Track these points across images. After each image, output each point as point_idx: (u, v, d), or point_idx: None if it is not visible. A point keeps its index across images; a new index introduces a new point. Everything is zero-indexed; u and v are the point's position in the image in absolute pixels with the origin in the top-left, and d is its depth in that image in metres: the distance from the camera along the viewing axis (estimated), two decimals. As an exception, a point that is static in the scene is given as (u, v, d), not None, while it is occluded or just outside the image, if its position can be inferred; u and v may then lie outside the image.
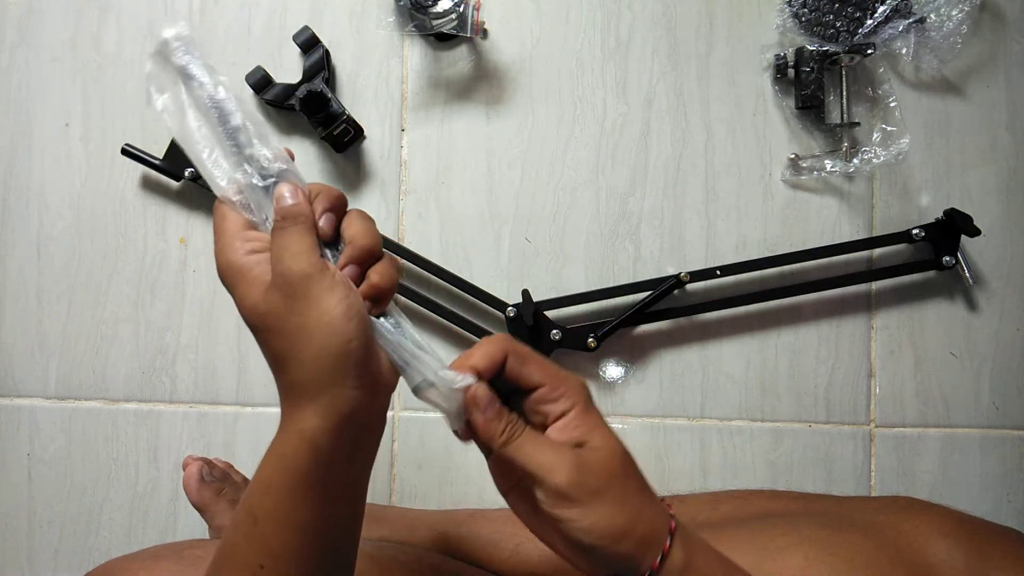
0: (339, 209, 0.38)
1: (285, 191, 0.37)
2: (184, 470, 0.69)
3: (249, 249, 0.36)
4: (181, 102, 0.39)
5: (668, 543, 0.35)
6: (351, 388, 0.34)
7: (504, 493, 0.38)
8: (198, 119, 0.39)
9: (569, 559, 0.36)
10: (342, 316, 0.34)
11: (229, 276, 0.37)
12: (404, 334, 0.37)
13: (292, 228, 0.36)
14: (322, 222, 0.37)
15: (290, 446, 0.35)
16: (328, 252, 0.37)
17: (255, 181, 0.37)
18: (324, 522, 0.36)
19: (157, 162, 0.69)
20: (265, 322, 0.35)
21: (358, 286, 0.36)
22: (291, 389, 0.35)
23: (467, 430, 0.37)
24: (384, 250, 0.38)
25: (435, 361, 0.37)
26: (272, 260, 0.35)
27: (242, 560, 0.35)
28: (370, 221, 0.38)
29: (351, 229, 0.37)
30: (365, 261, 0.37)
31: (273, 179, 0.37)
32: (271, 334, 0.35)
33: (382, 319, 0.37)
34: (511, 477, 0.37)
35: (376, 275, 0.37)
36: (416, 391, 0.37)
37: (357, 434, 0.36)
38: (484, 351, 0.37)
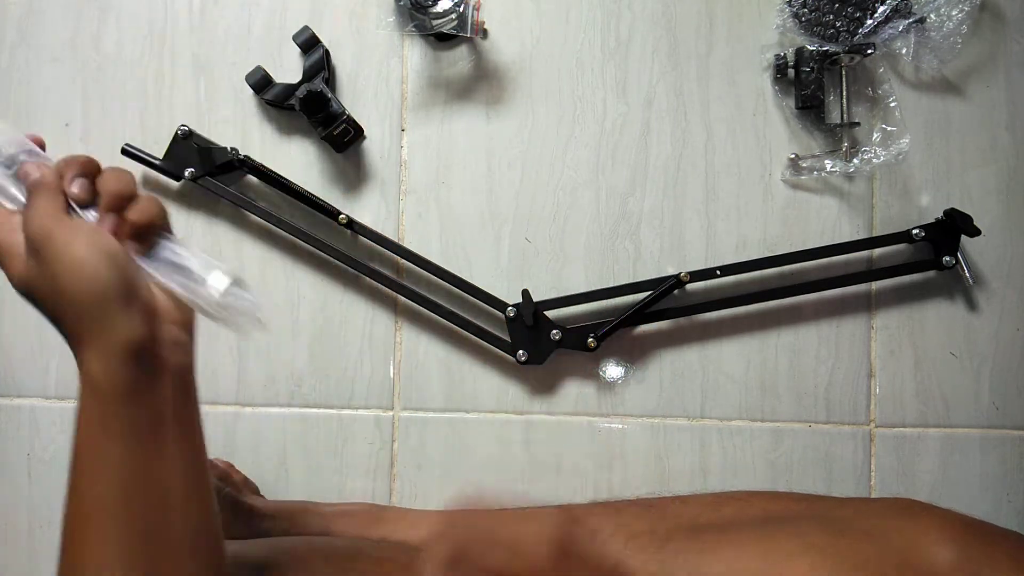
0: (91, 172, 0.39)
1: (29, 169, 0.39)
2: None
3: (8, 230, 0.38)
4: None
5: None
6: (120, 324, 0.36)
7: None
8: None
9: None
10: (89, 257, 0.35)
11: None
12: (186, 259, 0.40)
13: (37, 196, 0.37)
14: (74, 187, 0.38)
15: (83, 400, 0.37)
16: (89, 213, 0.38)
17: (2, 172, 0.39)
18: (139, 470, 0.36)
19: (157, 162, 0.69)
20: (30, 288, 0.37)
21: (121, 232, 0.38)
22: (72, 342, 0.37)
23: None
24: (143, 192, 0.40)
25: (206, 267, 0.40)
26: (23, 229, 0.37)
27: (72, 513, 0.36)
28: (121, 171, 0.39)
29: (102, 183, 0.39)
30: (119, 205, 0.38)
31: (18, 166, 0.39)
32: (39, 297, 0.37)
33: (163, 249, 0.40)
34: None
35: (133, 213, 0.38)
36: (207, 310, 0.39)
37: (145, 367, 0.37)
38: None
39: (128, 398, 0.36)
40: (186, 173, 0.69)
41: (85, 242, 0.35)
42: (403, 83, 0.73)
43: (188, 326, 0.39)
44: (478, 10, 0.68)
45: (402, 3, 0.68)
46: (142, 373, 0.37)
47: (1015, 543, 0.52)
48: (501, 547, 0.61)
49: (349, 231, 0.70)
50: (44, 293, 0.36)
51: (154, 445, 0.37)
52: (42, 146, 0.41)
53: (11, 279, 0.37)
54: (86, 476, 0.37)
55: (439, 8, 0.67)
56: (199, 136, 0.70)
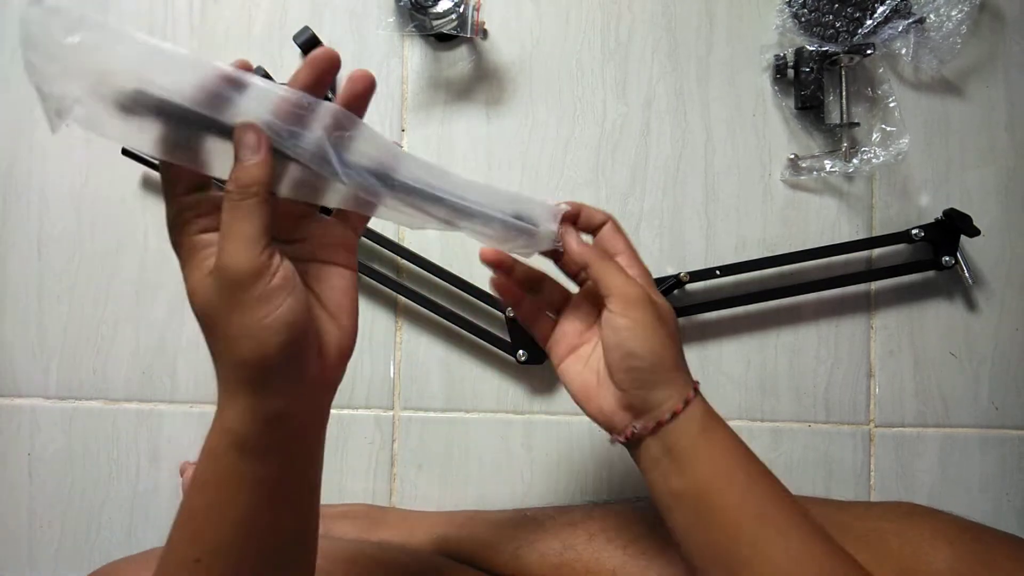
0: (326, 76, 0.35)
1: (247, 138, 0.32)
2: (182, 476, 0.70)
3: (202, 227, 0.34)
4: None
5: (692, 396, 0.43)
6: (275, 394, 0.33)
7: (560, 361, 0.48)
8: None
9: (617, 382, 0.44)
10: (270, 330, 0.32)
11: (177, 253, 0.35)
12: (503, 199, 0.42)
13: (241, 205, 0.32)
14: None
15: (218, 442, 0.35)
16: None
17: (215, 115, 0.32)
18: (259, 520, 0.35)
19: (158, 162, 0.69)
20: (199, 312, 0.34)
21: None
22: (221, 383, 0.35)
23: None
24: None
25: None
26: (218, 243, 0.32)
27: (180, 554, 0.35)
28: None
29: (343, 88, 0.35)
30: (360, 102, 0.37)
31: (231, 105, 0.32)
32: (204, 326, 0.34)
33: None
34: (569, 341, 0.48)
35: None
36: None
37: (287, 435, 0.35)
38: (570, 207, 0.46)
39: (268, 457, 0.35)
40: (186, 173, 0.69)
41: (273, 308, 0.32)
42: (403, 83, 0.73)
43: (337, 384, 0.38)
44: (478, 11, 0.68)
45: (402, 3, 0.68)
46: (288, 436, 0.35)
47: (1013, 546, 0.52)
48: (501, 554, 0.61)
49: (349, 231, 0.70)
50: (210, 328, 0.34)
51: (280, 499, 0.36)
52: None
53: (186, 285, 0.34)
54: (206, 519, 0.35)
55: (439, 8, 0.67)
56: (199, 136, 0.70)
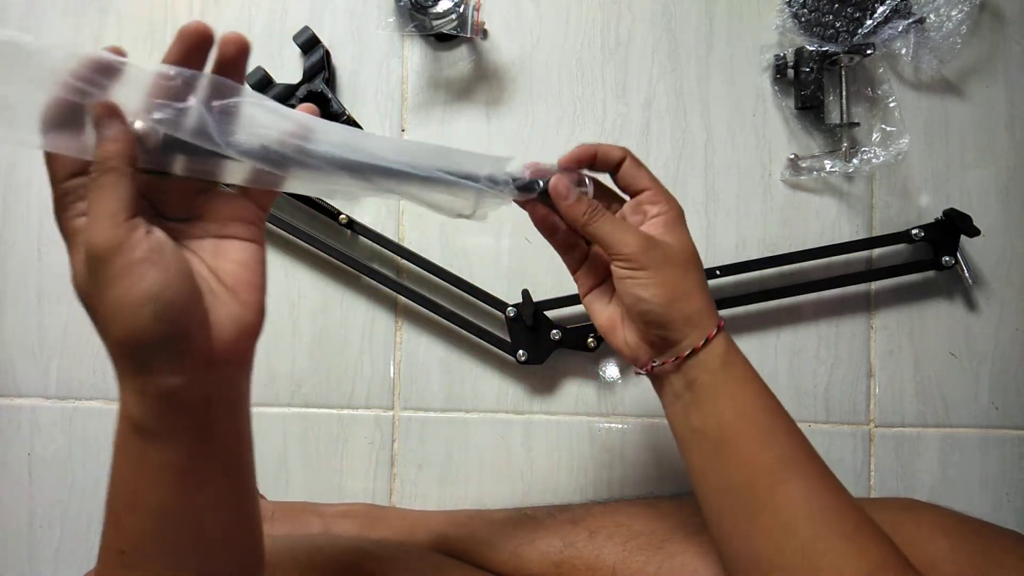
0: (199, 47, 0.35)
1: (98, 115, 0.32)
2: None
3: (80, 211, 0.33)
4: None
5: (714, 333, 0.44)
6: (160, 372, 0.32)
7: (585, 293, 0.50)
8: None
9: (635, 325, 0.46)
10: (136, 304, 0.31)
11: (64, 240, 0.33)
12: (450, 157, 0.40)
13: (100, 181, 0.31)
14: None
15: (120, 429, 0.34)
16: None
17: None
18: (177, 507, 0.34)
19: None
20: (79, 297, 0.33)
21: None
22: (115, 369, 0.33)
23: (546, 219, 0.47)
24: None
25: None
26: (86, 233, 0.31)
27: (108, 546, 0.35)
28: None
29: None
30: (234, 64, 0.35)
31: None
32: (86, 310, 0.33)
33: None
34: (594, 276, 0.49)
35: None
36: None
37: (187, 415, 0.34)
38: (579, 152, 0.46)
39: (168, 440, 0.33)
40: (186, 173, 0.69)
41: (134, 282, 0.31)
42: (403, 83, 0.73)
43: (243, 360, 0.36)
44: (478, 10, 0.68)
45: (402, 3, 0.68)
46: (184, 417, 0.34)
47: (1014, 540, 0.53)
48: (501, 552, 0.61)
49: (349, 231, 0.70)
50: (90, 311, 0.33)
51: (194, 484, 0.34)
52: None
53: (72, 276, 0.33)
54: (123, 509, 0.34)
55: (439, 8, 0.67)
56: (199, 136, 0.70)
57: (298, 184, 0.38)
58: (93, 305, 0.32)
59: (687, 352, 0.44)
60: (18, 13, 0.72)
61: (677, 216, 0.46)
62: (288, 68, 0.72)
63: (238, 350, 0.36)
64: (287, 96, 0.69)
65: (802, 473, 0.42)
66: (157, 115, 0.33)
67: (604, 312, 0.49)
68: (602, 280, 0.49)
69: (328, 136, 0.37)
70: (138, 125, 0.33)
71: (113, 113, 0.32)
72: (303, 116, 0.37)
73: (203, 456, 0.35)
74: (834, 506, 0.41)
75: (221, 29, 0.74)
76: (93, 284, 0.31)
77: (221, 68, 0.35)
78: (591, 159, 0.47)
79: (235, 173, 0.36)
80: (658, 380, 0.47)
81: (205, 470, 0.35)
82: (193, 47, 0.34)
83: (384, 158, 0.39)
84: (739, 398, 0.44)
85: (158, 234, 0.33)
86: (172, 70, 0.33)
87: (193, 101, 0.33)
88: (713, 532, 0.45)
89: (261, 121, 0.35)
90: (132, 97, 0.33)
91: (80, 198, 0.32)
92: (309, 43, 0.70)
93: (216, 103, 0.34)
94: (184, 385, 0.33)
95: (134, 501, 0.34)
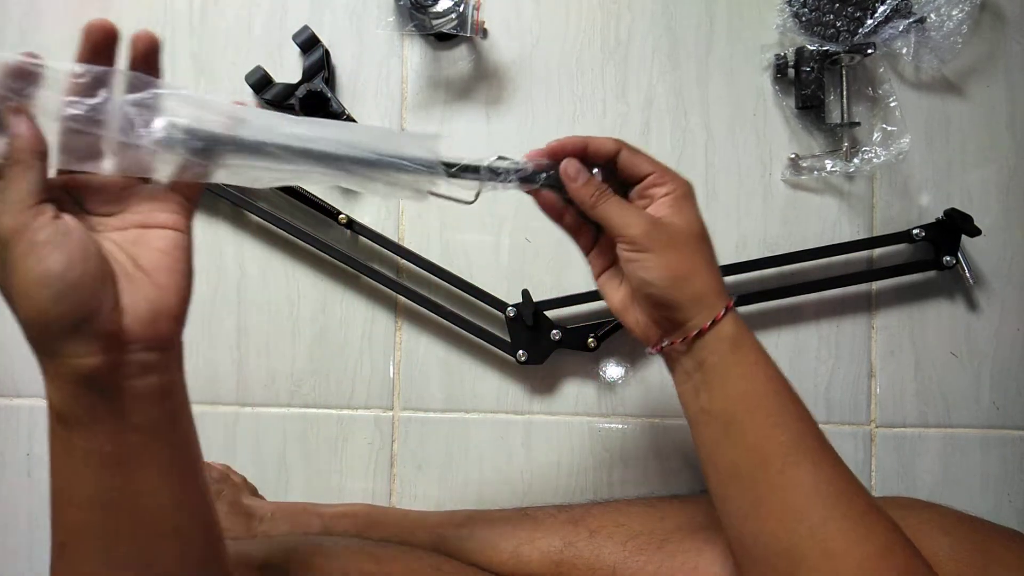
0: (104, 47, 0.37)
1: (12, 118, 0.33)
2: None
3: None
4: None
5: (722, 314, 0.44)
6: (71, 355, 0.33)
7: (598, 275, 0.50)
8: None
9: (643, 306, 0.47)
10: (35, 285, 0.32)
11: None
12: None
13: (10, 171, 0.33)
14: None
15: (50, 422, 0.34)
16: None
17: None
18: (112, 496, 0.34)
19: None
20: None
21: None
22: (36, 357, 0.34)
23: (552, 203, 0.47)
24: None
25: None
26: None
27: (52, 539, 0.35)
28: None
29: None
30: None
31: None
32: (4, 298, 0.34)
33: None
34: (606, 258, 0.49)
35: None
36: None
37: (107, 401, 0.34)
38: (567, 141, 0.46)
39: (89, 426, 0.34)
40: (186, 173, 0.69)
41: (36, 262, 0.32)
42: (403, 83, 0.73)
43: (164, 343, 0.36)
44: (478, 10, 0.68)
45: (402, 3, 0.68)
46: (101, 401, 0.34)
47: (1013, 538, 0.53)
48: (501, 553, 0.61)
49: (349, 231, 0.70)
50: (5, 297, 0.34)
51: (122, 472, 0.34)
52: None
53: None
54: (60, 501, 0.35)
55: (439, 8, 0.67)
56: (199, 136, 0.70)
57: (226, 174, 0.38)
58: (5, 289, 0.33)
59: (694, 332, 0.44)
60: (18, 13, 0.72)
61: (685, 194, 0.47)
62: (288, 67, 0.72)
63: (157, 333, 0.35)
64: (287, 95, 0.69)
65: (812, 456, 0.42)
66: (70, 111, 0.34)
67: (616, 293, 0.49)
68: (613, 262, 0.49)
69: (257, 122, 0.38)
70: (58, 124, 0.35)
71: (20, 111, 0.33)
72: (227, 105, 0.38)
73: (128, 443, 0.35)
74: (843, 489, 0.41)
75: (221, 29, 0.74)
76: (1, 268, 0.33)
77: (134, 65, 0.37)
78: (580, 151, 0.46)
79: (161, 167, 0.37)
80: (669, 359, 0.47)
81: (133, 457, 0.35)
82: (99, 44, 0.36)
83: (315, 140, 0.39)
84: (749, 379, 0.44)
85: (67, 220, 0.34)
86: (80, 67, 0.35)
87: (103, 96, 0.35)
88: (721, 514, 0.45)
89: (182, 112, 0.36)
90: (51, 97, 0.34)
91: None
92: (309, 42, 0.70)
93: (131, 97, 0.35)
94: (98, 367, 0.33)
95: (68, 493, 0.34)
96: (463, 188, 0.45)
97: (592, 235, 0.50)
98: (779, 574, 0.41)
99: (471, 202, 0.46)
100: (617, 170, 0.47)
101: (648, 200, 0.46)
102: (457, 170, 0.44)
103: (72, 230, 0.33)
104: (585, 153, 0.46)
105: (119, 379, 0.34)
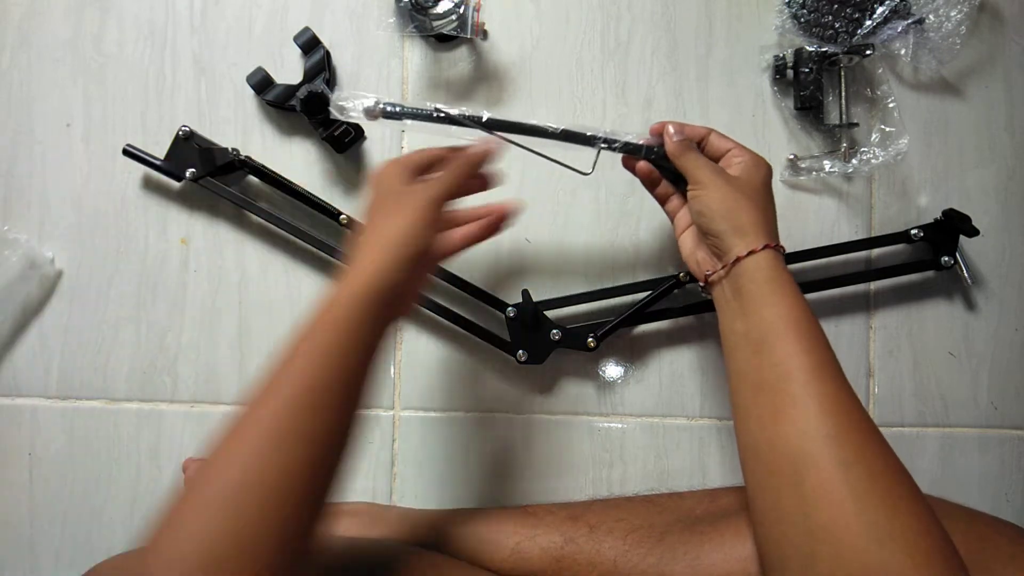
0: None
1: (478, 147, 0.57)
2: (184, 473, 0.70)
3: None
4: None
5: (760, 247, 0.51)
6: (412, 244, 0.48)
7: (679, 234, 0.60)
8: None
9: (700, 239, 0.57)
10: (405, 222, 0.49)
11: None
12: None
13: (396, 161, 0.54)
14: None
15: (342, 301, 0.46)
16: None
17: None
18: (344, 374, 0.46)
19: (158, 162, 0.69)
20: (367, 213, 0.52)
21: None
22: (362, 250, 0.49)
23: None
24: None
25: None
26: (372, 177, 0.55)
27: (274, 388, 0.44)
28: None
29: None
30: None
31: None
32: (369, 208, 0.52)
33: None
34: (686, 220, 0.59)
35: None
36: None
37: (394, 300, 0.48)
38: (667, 124, 0.59)
39: (381, 324, 0.47)
40: (187, 173, 0.69)
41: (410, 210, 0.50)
42: (403, 84, 0.73)
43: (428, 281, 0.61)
44: (478, 11, 0.68)
45: (403, 4, 0.68)
46: (393, 302, 0.47)
47: (1007, 527, 0.53)
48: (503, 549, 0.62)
49: (350, 231, 0.70)
50: (367, 228, 0.50)
51: (362, 372, 0.47)
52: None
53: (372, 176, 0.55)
54: (306, 359, 0.45)
55: (439, 9, 0.67)
56: (200, 137, 0.70)
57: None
58: (372, 223, 0.51)
59: (733, 260, 0.51)
60: (19, 13, 0.72)
61: (756, 163, 0.55)
62: (289, 68, 0.72)
63: (436, 264, 0.58)
64: (287, 96, 0.69)
65: (837, 381, 0.46)
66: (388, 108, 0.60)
67: (688, 243, 0.58)
68: (691, 223, 0.58)
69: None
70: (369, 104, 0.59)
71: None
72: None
73: (374, 345, 0.48)
74: (860, 411, 0.45)
75: (222, 30, 0.74)
76: (376, 210, 0.53)
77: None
78: (679, 130, 0.58)
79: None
80: (713, 290, 0.54)
81: (369, 355, 0.48)
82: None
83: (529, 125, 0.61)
84: (782, 307, 0.48)
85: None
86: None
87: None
88: (741, 426, 0.48)
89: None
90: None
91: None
92: (310, 44, 0.70)
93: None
94: (405, 279, 0.48)
95: (318, 358, 0.45)
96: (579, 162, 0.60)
97: (676, 204, 0.61)
98: (784, 477, 0.43)
99: (588, 173, 0.60)
100: (705, 152, 0.58)
101: (727, 165, 0.56)
102: (618, 147, 0.61)
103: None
104: (682, 133, 0.58)
105: (413, 292, 0.56)
